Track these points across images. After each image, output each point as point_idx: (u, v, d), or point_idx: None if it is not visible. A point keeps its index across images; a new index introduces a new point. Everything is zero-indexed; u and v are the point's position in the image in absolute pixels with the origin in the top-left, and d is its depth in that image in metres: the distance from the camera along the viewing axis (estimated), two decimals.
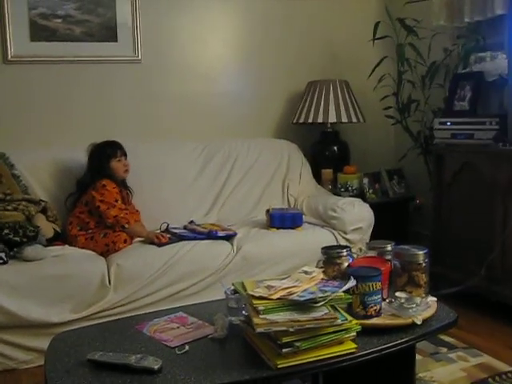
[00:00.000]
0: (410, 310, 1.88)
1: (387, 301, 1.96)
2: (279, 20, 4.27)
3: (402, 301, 1.91)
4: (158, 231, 3.30)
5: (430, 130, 3.92)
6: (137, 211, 3.42)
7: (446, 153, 3.49)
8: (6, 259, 2.80)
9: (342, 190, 4.00)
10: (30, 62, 3.65)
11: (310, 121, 4.07)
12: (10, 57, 3.59)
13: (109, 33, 3.83)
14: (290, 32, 4.31)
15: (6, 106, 3.62)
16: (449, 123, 3.44)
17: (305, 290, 1.71)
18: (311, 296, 1.67)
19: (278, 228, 3.40)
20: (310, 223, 3.55)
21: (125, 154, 3.38)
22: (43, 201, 3.27)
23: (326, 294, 1.68)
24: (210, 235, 3.23)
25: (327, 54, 4.42)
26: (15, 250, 2.89)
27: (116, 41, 3.85)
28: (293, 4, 4.30)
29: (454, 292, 3.15)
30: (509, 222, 3.00)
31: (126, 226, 3.18)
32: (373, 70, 4.06)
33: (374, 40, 4.04)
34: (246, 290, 1.76)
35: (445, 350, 2.80)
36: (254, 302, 1.67)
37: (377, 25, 4.05)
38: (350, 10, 4.47)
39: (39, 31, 3.65)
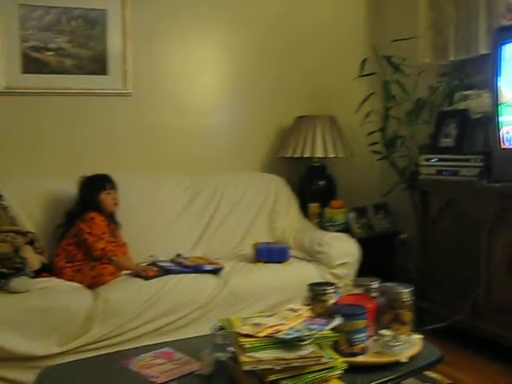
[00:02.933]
0: (395, 348, 1.90)
1: (373, 338, 1.97)
2: (269, 55, 4.33)
3: (388, 339, 1.92)
4: (145, 264, 3.30)
5: (415, 165, 3.96)
6: (124, 244, 3.42)
7: (431, 189, 3.54)
8: None
9: (329, 224, 4.01)
10: (22, 94, 3.67)
11: (298, 155, 4.11)
12: (1, 88, 3.62)
13: (99, 66, 3.87)
14: (279, 67, 4.37)
15: None
16: (434, 160, 3.49)
17: (291, 328, 1.72)
18: (297, 334, 1.68)
19: (264, 262, 3.41)
20: (296, 257, 3.55)
21: (114, 188, 3.39)
22: (31, 232, 3.27)
23: (312, 332, 1.70)
24: (197, 269, 3.23)
25: (315, 90, 4.48)
26: (2, 281, 2.87)
27: (106, 74, 3.89)
28: (283, 40, 4.37)
29: (439, 327, 3.17)
30: (493, 258, 3.03)
31: (114, 258, 3.18)
32: (359, 106, 4.12)
33: (361, 77, 4.11)
34: (232, 327, 1.77)
35: None
36: (241, 339, 1.68)
37: (364, 62, 4.12)
38: (339, 48, 4.54)
39: (31, 63, 3.69)
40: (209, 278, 3.20)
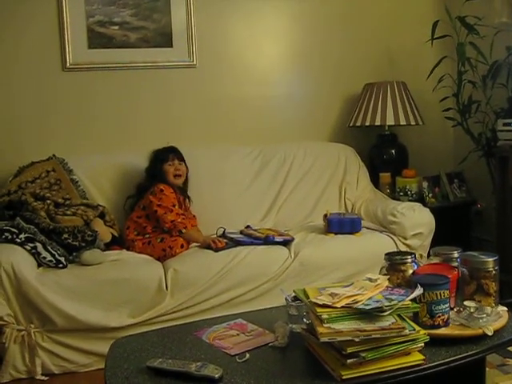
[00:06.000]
0: (481, 320, 1.78)
1: (455, 310, 1.87)
2: (335, 22, 4.21)
3: (472, 310, 1.81)
4: (215, 236, 3.29)
5: (492, 131, 3.78)
6: (193, 216, 3.42)
7: (510, 155, 3.36)
8: (65, 263, 2.83)
9: (401, 194, 3.89)
10: (88, 69, 3.70)
11: (367, 124, 3.99)
12: (68, 64, 3.65)
13: (164, 38, 3.85)
14: (346, 34, 4.23)
15: (64, 112, 3.69)
16: None
17: (370, 298, 1.64)
18: (377, 305, 1.60)
19: (335, 233, 3.34)
20: (368, 228, 3.46)
21: (178, 159, 3.38)
22: (101, 205, 3.31)
23: (392, 303, 1.61)
24: (267, 240, 3.19)
25: (384, 56, 4.32)
26: (74, 254, 2.93)
27: (171, 46, 3.87)
28: (349, 5, 4.23)
29: None
30: None
31: (183, 230, 3.18)
32: (432, 71, 3.95)
33: (433, 40, 3.93)
34: (308, 298, 1.70)
35: None
36: (318, 310, 1.61)
37: (435, 24, 3.94)
38: (408, 10, 4.36)
39: (96, 38, 3.70)
40: (279, 250, 3.16)
